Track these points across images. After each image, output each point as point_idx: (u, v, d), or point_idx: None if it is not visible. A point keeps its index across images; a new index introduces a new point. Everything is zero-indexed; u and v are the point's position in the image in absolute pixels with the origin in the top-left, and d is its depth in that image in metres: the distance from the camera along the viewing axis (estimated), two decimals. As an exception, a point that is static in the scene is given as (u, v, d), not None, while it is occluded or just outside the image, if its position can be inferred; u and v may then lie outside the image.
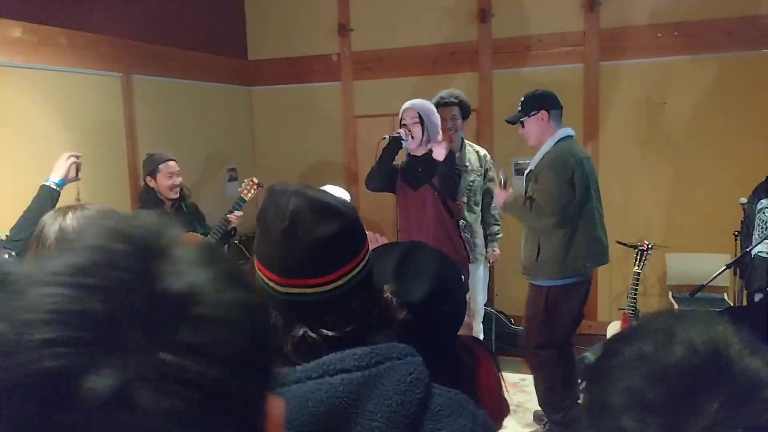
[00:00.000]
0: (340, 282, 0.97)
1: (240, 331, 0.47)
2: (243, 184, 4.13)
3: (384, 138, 3.67)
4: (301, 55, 5.88)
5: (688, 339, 0.61)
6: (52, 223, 1.54)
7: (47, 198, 2.63)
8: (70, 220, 1.52)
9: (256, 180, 4.13)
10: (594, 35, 4.99)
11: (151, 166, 3.69)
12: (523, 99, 3.54)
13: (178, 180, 3.70)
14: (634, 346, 0.63)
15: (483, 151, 4.14)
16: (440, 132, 3.78)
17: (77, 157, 2.83)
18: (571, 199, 3.33)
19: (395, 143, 3.62)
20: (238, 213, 3.91)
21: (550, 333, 3.49)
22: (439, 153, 3.61)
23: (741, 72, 4.66)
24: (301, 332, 0.95)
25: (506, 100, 5.00)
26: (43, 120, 3.86)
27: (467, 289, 1.59)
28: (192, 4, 5.30)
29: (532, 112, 3.47)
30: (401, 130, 3.64)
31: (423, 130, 3.65)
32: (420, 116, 3.65)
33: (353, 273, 0.98)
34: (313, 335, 0.95)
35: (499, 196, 3.67)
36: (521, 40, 5.18)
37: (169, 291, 0.44)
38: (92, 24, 4.26)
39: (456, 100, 4.04)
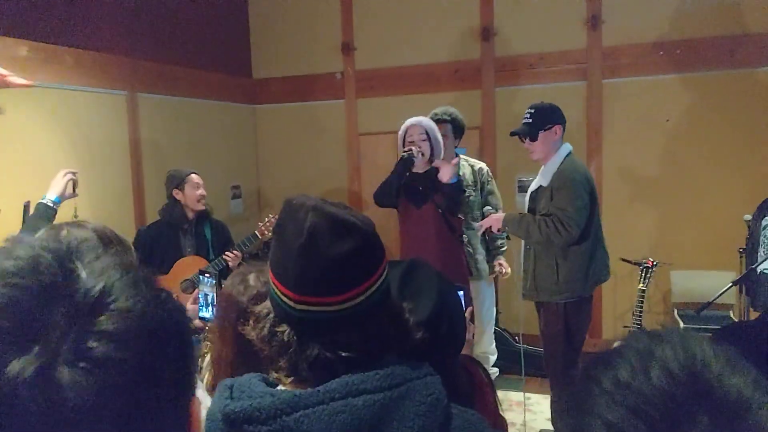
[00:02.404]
0: (357, 300, 0.95)
1: (148, 321, 0.54)
2: (265, 221, 4.07)
3: (405, 152, 3.66)
4: (305, 74, 5.91)
5: (665, 363, 0.58)
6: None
7: (43, 215, 2.61)
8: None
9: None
10: (596, 53, 5.01)
11: (178, 179, 3.84)
12: (533, 111, 3.42)
13: (204, 192, 3.84)
14: (612, 373, 0.60)
15: (479, 165, 4.11)
16: (442, 152, 3.78)
17: (74, 173, 2.81)
18: (590, 213, 3.31)
19: (409, 161, 3.62)
20: (235, 254, 3.85)
21: (574, 350, 3.45)
22: (445, 174, 3.61)
23: (744, 89, 4.66)
24: (315, 351, 0.94)
25: (509, 118, 5.02)
26: (49, 138, 3.88)
27: (466, 308, 1.57)
28: (197, 23, 5.35)
29: (547, 126, 3.38)
30: (413, 148, 3.63)
31: (431, 146, 3.68)
32: (427, 133, 3.67)
33: (371, 291, 0.96)
34: (328, 354, 0.93)
35: (492, 220, 3.60)
36: (524, 58, 5.20)
37: (87, 288, 0.52)
38: (98, 43, 4.29)
39: (449, 118, 4.05)
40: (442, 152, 3.79)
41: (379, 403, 0.87)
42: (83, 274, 0.53)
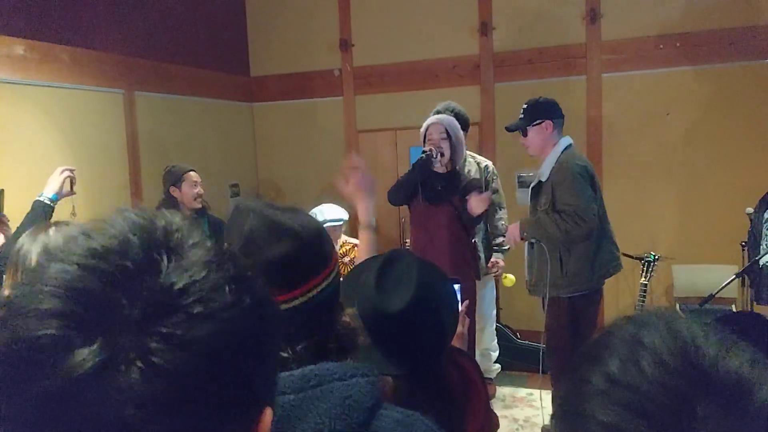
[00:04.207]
0: (291, 303, 0.95)
1: (231, 332, 0.48)
2: None
3: (425, 151, 3.61)
4: (303, 71, 5.89)
5: (655, 352, 0.55)
6: (30, 245, 1.44)
7: (40, 213, 2.58)
8: (54, 238, 1.44)
9: None
10: (596, 47, 4.99)
11: (176, 177, 3.82)
12: (525, 106, 3.45)
13: (202, 190, 3.81)
14: (601, 369, 0.57)
15: (485, 162, 4.09)
16: (463, 153, 3.73)
17: (72, 171, 2.79)
18: (595, 204, 3.28)
19: (429, 160, 3.58)
20: None
21: (577, 347, 3.41)
22: (477, 207, 3.59)
23: (744, 82, 4.64)
24: None
25: (508, 113, 4.98)
26: (45, 137, 3.86)
27: (462, 302, 1.55)
28: (194, 20, 5.32)
29: (536, 121, 3.38)
30: (432, 148, 3.59)
31: (450, 146, 3.62)
32: (447, 132, 3.62)
33: (307, 296, 0.96)
34: None
35: (512, 232, 3.52)
36: (523, 53, 5.18)
37: (168, 284, 0.47)
38: (94, 41, 4.27)
39: (452, 113, 4.02)
40: (464, 150, 3.75)
41: (288, 404, 0.83)
42: (167, 267, 0.48)
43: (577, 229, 3.20)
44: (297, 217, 1.01)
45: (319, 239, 1.01)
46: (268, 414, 0.54)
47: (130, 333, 0.44)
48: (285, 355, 0.92)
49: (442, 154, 3.60)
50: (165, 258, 0.49)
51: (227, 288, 0.50)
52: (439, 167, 3.67)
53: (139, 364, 0.44)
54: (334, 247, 1.05)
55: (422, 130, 3.76)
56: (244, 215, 1.00)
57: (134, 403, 0.43)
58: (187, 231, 0.53)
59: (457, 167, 3.76)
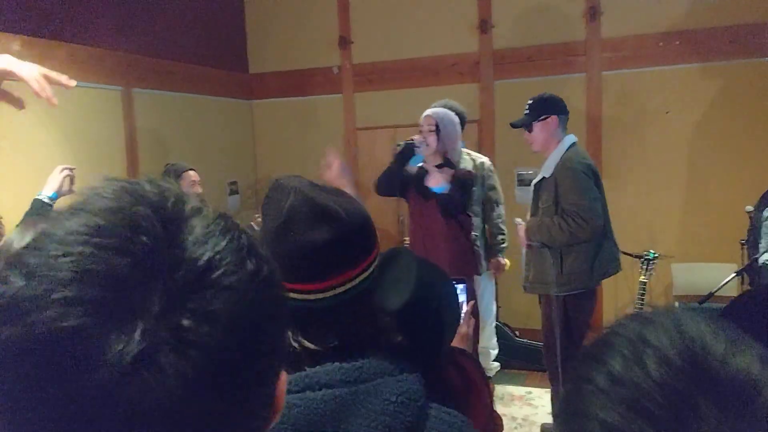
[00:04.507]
0: (329, 293, 0.90)
1: (255, 301, 0.47)
2: (258, 216, 4.04)
3: (398, 144, 3.63)
4: (302, 68, 5.87)
5: (660, 351, 0.53)
6: (20, 241, 1.43)
7: (40, 212, 2.58)
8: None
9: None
10: (596, 45, 4.97)
11: (174, 175, 3.84)
12: (531, 102, 3.44)
13: (199, 190, 3.81)
14: (604, 368, 0.55)
15: (481, 159, 4.08)
16: (458, 145, 3.72)
17: (71, 169, 2.78)
18: (599, 203, 3.27)
19: (408, 150, 3.58)
20: None
21: (572, 344, 3.42)
22: (432, 180, 3.57)
23: (744, 80, 4.63)
24: None
25: (508, 111, 4.98)
26: (43, 134, 3.84)
27: (467, 302, 1.53)
28: (192, 18, 5.30)
29: (542, 117, 3.37)
30: (417, 137, 3.59)
31: (438, 140, 3.61)
32: (437, 125, 3.61)
33: (346, 286, 0.91)
34: (294, 344, 0.88)
35: (522, 238, 3.49)
36: (522, 50, 5.17)
37: (192, 258, 0.45)
38: (92, 38, 4.25)
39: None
40: (456, 145, 3.74)
41: (340, 398, 0.81)
42: (189, 239, 0.46)
43: (581, 231, 3.19)
44: (342, 201, 0.94)
45: (364, 227, 0.95)
46: (284, 376, 0.55)
47: (164, 316, 0.42)
48: (316, 348, 0.88)
49: (427, 145, 3.59)
50: (184, 231, 0.46)
51: (246, 257, 0.48)
52: (428, 159, 3.66)
53: (177, 346, 0.41)
54: (377, 237, 0.99)
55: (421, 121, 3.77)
56: (284, 192, 0.92)
57: (177, 386, 0.41)
58: (193, 201, 0.51)
59: (452, 160, 3.74)
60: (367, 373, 0.84)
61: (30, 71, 1.39)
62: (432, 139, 3.59)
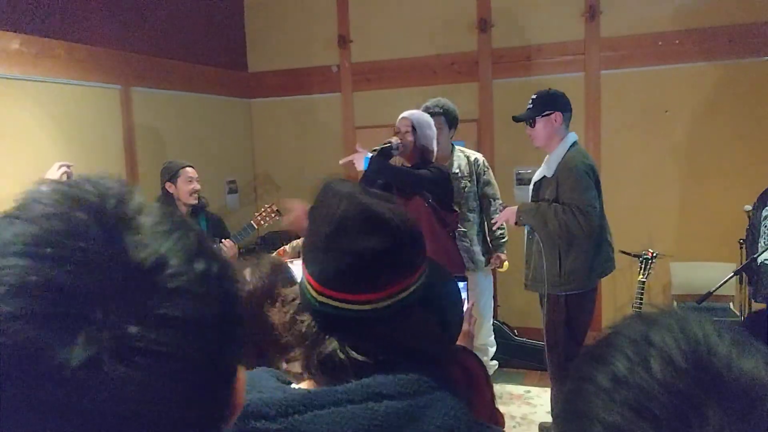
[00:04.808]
0: (380, 304, 0.87)
1: (207, 302, 0.46)
2: (261, 211, 4.01)
3: (374, 150, 3.61)
4: (301, 67, 5.87)
5: (665, 351, 0.52)
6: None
7: None
8: None
9: (276, 207, 3.99)
10: (595, 44, 4.97)
11: (171, 172, 3.81)
12: (535, 97, 3.42)
13: (198, 186, 3.80)
14: (607, 369, 0.54)
15: (474, 156, 4.07)
16: (434, 147, 3.70)
17: (69, 166, 2.78)
18: (597, 203, 3.27)
19: (386, 152, 3.57)
20: (231, 243, 3.79)
21: (575, 343, 3.42)
22: (357, 162, 3.57)
23: (743, 79, 4.64)
24: (329, 349, 0.87)
25: (507, 110, 4.96)
26: (42, 132, 3.84)
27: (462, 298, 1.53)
28: (191, 16, 5.30)
29: (546, 112, 3.36)
30: (394, 138, 3.59)
31: (414, 140, 3.61)
32: (413, 126, 3.60)
33: (398, 296, 0.88)
34: (341, 354, 0.86)
35: (507, 213, 3.49)
36: (521, 49, 5.17)
37: (137, 262, 0.43)
38: (91, 36, 4.24)
39: (441, 110, 4.02)
40: (432, 146, 3.72)
41: (402, 411, 0.81)
42: (132, 241, 0.44)
43: (575, 224, 3.17)
44: (394, 208, 0.91)
45: (416, 236, 0.92)
46: (241, 372, 0.54)
47: (106, 324, 0.41)
48: (365, 360, 0.86)
49: (404, 146, 3.58)
50: (121, 232, 0.44)
51: (194, 258, 0.47)
52: (401, 159, 3.65)
53: (122, 353, 0.41)
54: (426, 247, 0.97)
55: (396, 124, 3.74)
56: (336, 197, 0.90)
57: (127, 394, 0.40)
58: (136, 199, 0.48)
59: (428, 160, 3.72)
60: (424, 387, 0.83)
61: None
62: (410, 139, 3.59)
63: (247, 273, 1.67)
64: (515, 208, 3.48)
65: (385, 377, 0.83)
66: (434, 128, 3.68)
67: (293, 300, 0.94)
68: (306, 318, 0.91)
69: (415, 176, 3.46)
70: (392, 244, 0.87)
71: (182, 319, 0.44)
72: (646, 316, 0.59)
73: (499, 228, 4.05)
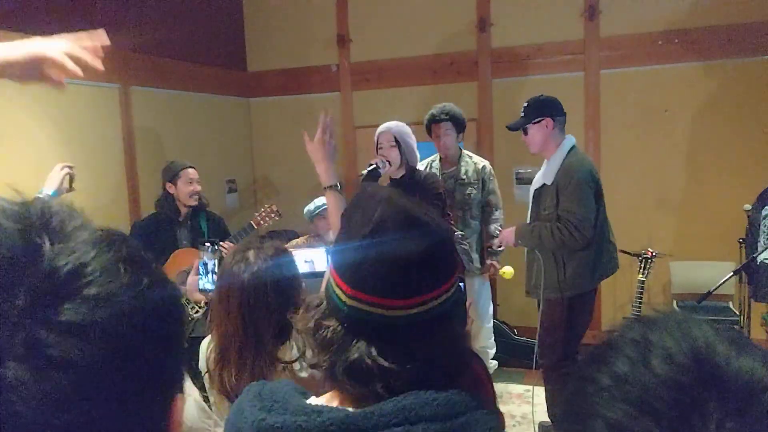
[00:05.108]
0: (411, 311, 0.85)
1: (130, 314, 0.45)
2: (261, 211, 4.00)
3: (361, 174, 3.54)
4: (301, 66, 5.87)
5: (665, 350, 0.53)
6: None
7: None
8: None
9: (276, 208, 3.98)
10: (594, 43, 4.97)
11: (172, 173, 3.81)
12: (526, 105, 3.44)
13: (198, 187, 3.79)
14: (608, 369, 0.55)
15: (482, 163, 4.07)
16: (417, 155, 3.67)
17: (71, 167, 2.78)
18: (595, 213, 3.28)
19: (373, 175, 3.50)
20: (229, 246, 3.76)
21: (571, 344, 3.42)
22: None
23: (742, 79, 4.64)
24: (356, 355, 0.85)
25: (506, 110, 4.98)
26: (41, 132, 3.83)
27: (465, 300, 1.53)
28: (190, 16, 5.29)
29: (537, 119, 3.37)
30: (377, 160, 3.51)
31: (400, 153, 3.56)
32: (396, 139, 3.56)
33: (431, 304, 0.86)
34: (368, 361, 0.84)
35: (505, 236, 3.54)
36: (521, 49, 5.17)
37: (55, 268, 0.43)
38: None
39: (447, 116, 4.00)
40: (417, 156, 3.68)
41: None
42: (50, 250, 0.44)
43: (572, 241, 3.23)
44: (431, 214, 0.90)
45: (450, 243, 0.91)
46: (179, 402, 0.51)
47: (16, 326, 0.40)
48: (390, 366, 0.84)
49: (390, 164, 3.52)
50: (47, 241, 0.45)
51: (122, 268, 0.46)
52: (395, 173, 3.59)
53: (30, 357, 0.40)
54: (459, 256, 0.98)
55: (374, 138, 3.67)
56: (374, 200, 0.88)
57: (29, 400, 0.39)
58: (67, 214, 0.49)
59: (415, 170, 3.68)
60: (459, 407, 0.82)
61: (59, 52, 1.29)
62: (395, 154, 3.52)
63: (251, 254, 1.71)
64: (513, 229, 3.50)
65: (421, 396, 0.81)
66: (413, 136, 3.63)
67: (318, 305, 0.93)
68: (331, 323, 0.89)
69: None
70: (430, 249, 0.85)
71: (100, 328, 0.43)
72: (645, 318, 0.59)
73: (497, 237, 4.06)
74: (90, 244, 0.46)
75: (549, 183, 3.36)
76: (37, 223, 0.46)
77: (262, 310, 1.65)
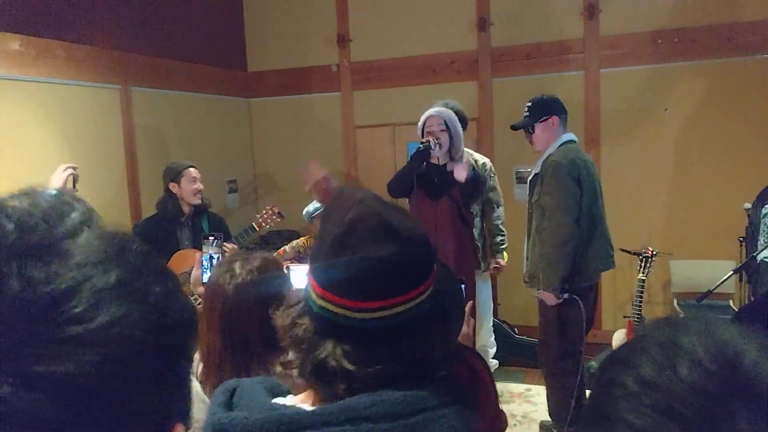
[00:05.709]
0: (378, 313, 0.84)
1: (121, 341, 0.39)
2: (262, 212, 4.01)
3: (421, 144, 3.59)
4: (301, 66, 5.87)
5: (693, 354, 0.52)
6: None
7: None
8: None
9: (277, 210, 3.99)
10: (594, 42, 4.97)
11: (175, 172, 3.81)
12: (530, 104, 3.49)
13: (201, 186, 3.80)
14: (634, 372, 0.54)
15: (483, 160, 4.09)
16: (462, 145, 3.74)
17: (74, 168, 2.78)
18: (578, 198, 3.29)
19: (427, 151, 3.57)
20: (233, 246, 3.77)
21: (568, 342, 3.43)
22: (460, 174, 3.57)
23: (742, 77, 4.64)
24: (323, 355, 0.85)
25: (506, 109, 4.99)
26: (42, 133, 3.84)
27: (466, 301, 1.53)
28: (191, 16, 5.29)
29: (543, 118, 3.43)
30: (430, 139, 3.58)
31: (450, 137, 3.63)
32: (446, 124, 3.62)
33: (398, 308, 0.85)
34: (333, 363, 0.84)
35: (546, 299, 3.40)
36: (521, 48, 5.17)
37: (33, 299, 0.37)
38: (91, 36, 4.24)
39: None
40: (462, 144, 3.75)
41: None
42: (25, 280, 0.37)
43: (554, 229, 3.26)
44: (406, 219, 0.89)
45: (426, 248, 0.90)
46: (178, 430, 0.47)
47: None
48: (356, 368, 0.83)
49: (441, 146, 3.60)
50: (36, 260, 0.38)
51: (118, 293, 0.40)
52: (436, 160, 3.67)
53: (16, 389, 0.35)
54: (435, 263, 0.94)
55: (420, 122, 3.75)
56: (348, 201, 0.88)
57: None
58: (54, 220, 0.42)
59: (456, 158, 3.76)
60: (410, 407, 0.80)
61: None
62: (445, 138, 3.60)
63: (237, 266, 1.69)
64: (542, 292, 3.40)
65: (373, 397, 0.79)
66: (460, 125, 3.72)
67: (296, 303, 0.93)
68: (304, 321, 0.89)
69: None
70: (399, 253, 0.84)
71: (65, 382, 0.36)
72: (671, 320, 0.59)
73: (499, 234, 4.07)
74: (90, 261, 0.40)
75: (537, 172, 3.44)
76: (29, 234, 0.40)
77: (245, 322, 1.63)
